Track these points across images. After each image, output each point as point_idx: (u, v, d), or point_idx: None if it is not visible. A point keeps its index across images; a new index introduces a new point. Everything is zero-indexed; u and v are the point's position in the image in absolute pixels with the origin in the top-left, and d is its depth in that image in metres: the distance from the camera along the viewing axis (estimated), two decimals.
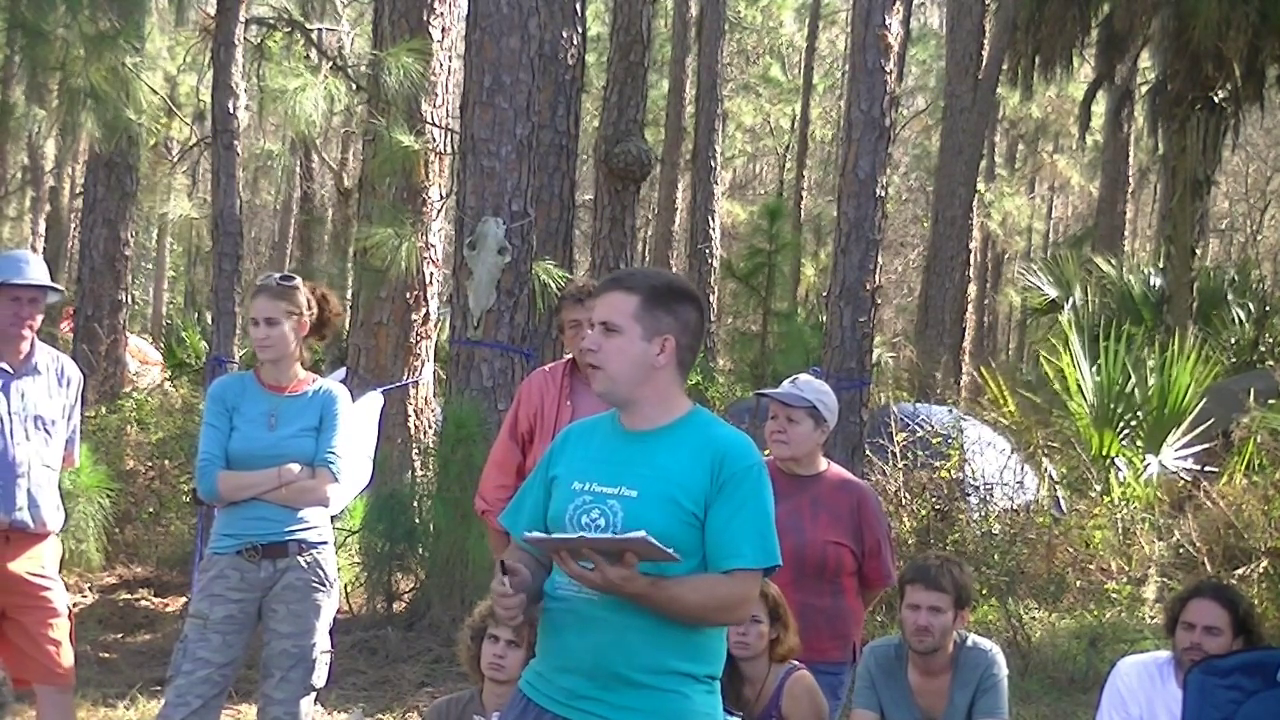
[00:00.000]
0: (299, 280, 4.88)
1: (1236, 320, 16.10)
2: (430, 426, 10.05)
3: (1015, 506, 9.97)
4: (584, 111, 11.89)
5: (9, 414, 4.93)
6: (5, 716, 5.39)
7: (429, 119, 10.05)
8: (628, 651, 3.08)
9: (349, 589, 8.31)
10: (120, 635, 8.16)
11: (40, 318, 5.02)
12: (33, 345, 5.01)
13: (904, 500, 9.61)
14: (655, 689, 3.09)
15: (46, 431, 4.98)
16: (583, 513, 3.14)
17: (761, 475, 3.18)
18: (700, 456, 3.15)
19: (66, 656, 5.02)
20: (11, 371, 4.98)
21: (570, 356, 5.08)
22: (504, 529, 3.45)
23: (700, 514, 3.12)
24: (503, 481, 4.97)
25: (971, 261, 20.06)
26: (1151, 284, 16.53)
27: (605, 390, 3.23)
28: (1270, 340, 15.98)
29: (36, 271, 4.98)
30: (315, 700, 4.96)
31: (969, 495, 9.94)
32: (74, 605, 8.31)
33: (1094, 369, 11.34)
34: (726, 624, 3.27)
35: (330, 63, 10.54)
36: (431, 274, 10.30)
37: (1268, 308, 16.52)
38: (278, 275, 4.90)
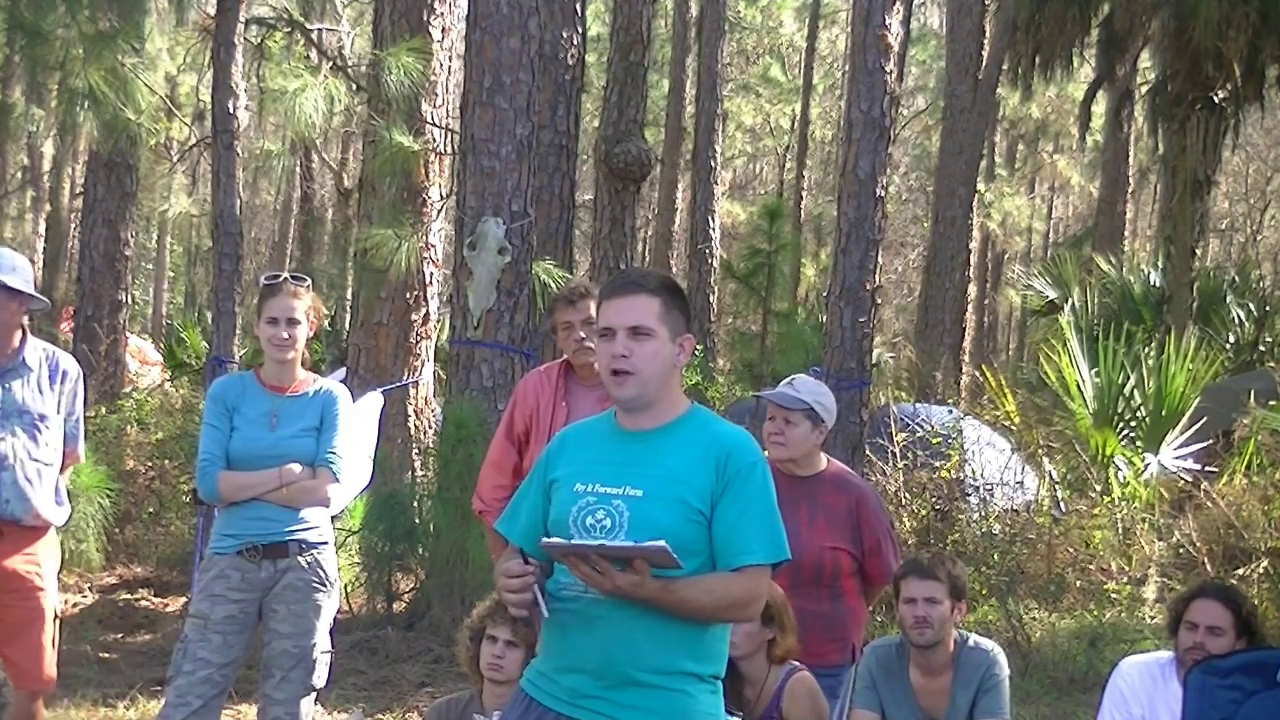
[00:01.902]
0: (309, 280, 4.89)
1: (1236, 320, 16.08)
2: (430, 426, 10.05)
3: (1015, 506, 9.97)
4: (584, 111, 11.90)
5: None
6: (6, 717, 5.37)
7: (429, 119, 10.05)
8: (634, 651, 3.07)
9: (349, 589, 8.30)
10: (120, 635, 8.15)
11: (23, 313, 4.94)
12: (23, 341, 4.96)
13: (904, 500, 9.61)
14: (661, 689, 3.08)
15: (35, 427, 4.88)
16: (587, 514, 3.12)
17: (765, 471, 3.18)
18: (705, 454, 3.14)
19: (49, 663, 4.94)
20: None
21: (566, 358, 5.09)
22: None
23: (706, 512, 3.11)
24: (499, 482, 5.01)
25: (971, 261, 20.09)
26: (1151, 284, 16.50)
27: (637, 394, 3.16)
28: (1270, 340, 15.97)
29: (17, 275, 4.90)
30: (315, 700, 4.96)
31: (969, 495, 9.94)
32: (74, 605, 8.37)
33: (1093, 369, 11.33)
34: (738, 621, 3.26)
35: (330, 63, 10.54)
36: (431, 274, 10.30)
37: (1268, 308, 16.49)
38: (288, 274, 4.89)
